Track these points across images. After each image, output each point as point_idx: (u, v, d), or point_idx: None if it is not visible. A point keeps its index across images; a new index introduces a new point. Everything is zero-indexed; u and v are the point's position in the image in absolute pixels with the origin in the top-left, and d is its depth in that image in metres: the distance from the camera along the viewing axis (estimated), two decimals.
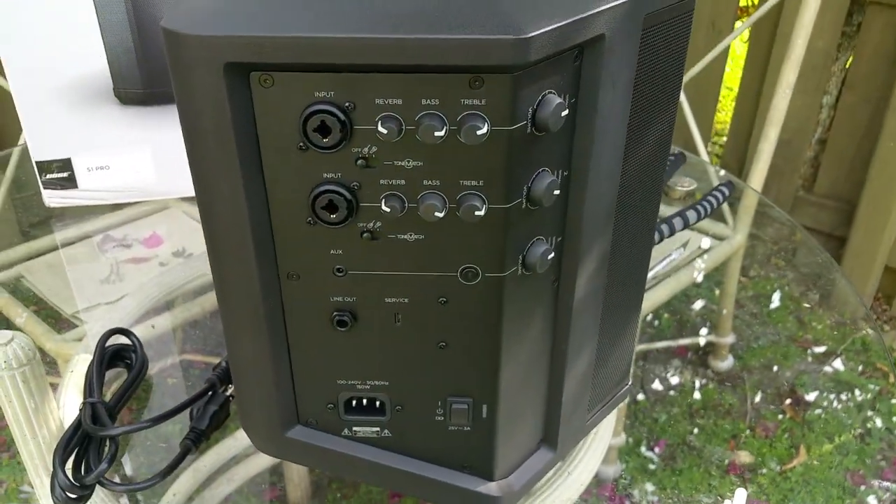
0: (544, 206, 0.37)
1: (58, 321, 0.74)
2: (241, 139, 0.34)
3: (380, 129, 0.33)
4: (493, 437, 0.43)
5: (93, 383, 0.55)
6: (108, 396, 0.58)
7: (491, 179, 0.35)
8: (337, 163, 0.35)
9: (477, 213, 0.35)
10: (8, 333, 0.59)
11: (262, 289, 0.38)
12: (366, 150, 0.34)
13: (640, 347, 0.74)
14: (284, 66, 0.32)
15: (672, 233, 0.77)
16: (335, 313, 0.39)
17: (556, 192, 0.37)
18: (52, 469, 0.48)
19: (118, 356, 0.60)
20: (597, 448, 0.60)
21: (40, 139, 0.77)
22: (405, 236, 0.37)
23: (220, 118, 0.33)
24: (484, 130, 0.33)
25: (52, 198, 0.81)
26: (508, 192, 0.35)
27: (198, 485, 0.61)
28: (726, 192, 0.84)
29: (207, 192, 0.36)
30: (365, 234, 0.37)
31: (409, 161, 0.35)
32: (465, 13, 0.32)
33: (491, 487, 0.45)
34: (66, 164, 0.79)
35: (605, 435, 0.61)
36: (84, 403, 0.53)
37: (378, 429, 0.44)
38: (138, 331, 0.67)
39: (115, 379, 0.63)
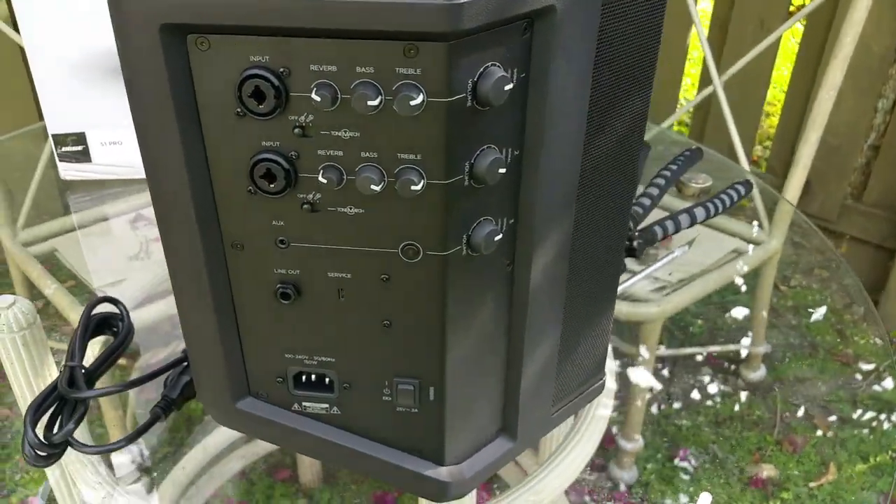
0: (489, 184, 0.36)
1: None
2: (179, 103, 0.34)
3: (313, 96, 0.33)
4: (441, 421, 0.43)
5: (75, 348, 0.56)
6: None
7: (429, 153, 0.34)
8: (274, 131, 0.34)
9: (413, 187, 0.34)
10: (10, 298, 0.60)
11: (205, 257, 0.38)
12: (302, 118, 0.34)
13: (667, 352, 0.72)
14: (220, 29, 0.32)
15: (677, 229, 0.75)
16: (279, 285, 0.39)
17: (502, 170, 0.36)
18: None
19: (105, 324, 0.61)
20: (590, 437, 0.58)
21: (56, 112, 0.79)
22: (345, 209, 0.36)
23: (157, 80, 0.33)
24: (418, 101, 0.32)
25: (67, 171, 0.83)
26: (448, 167, 0.34)
27: (208, 459, 0.62)
28: (742, 190, 0.81)
29: (150, 156, 0.36)
30: (305, 206, 0.36)
31: (345, 132, 0.34)
32: None
33: (440, 472, 0.45)
34: (80, 138, 0.81)
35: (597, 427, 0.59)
36: (64, 366, 0.54)
37: (327, 405, 0.44)
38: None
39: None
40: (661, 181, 0.79)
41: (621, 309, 0.77)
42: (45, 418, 0.50)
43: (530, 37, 0.34)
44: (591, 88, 0.38)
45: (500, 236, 0.38)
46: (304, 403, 0.44)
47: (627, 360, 0.71)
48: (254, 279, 0.39)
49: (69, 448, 0.50)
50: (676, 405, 0.63)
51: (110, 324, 0.61)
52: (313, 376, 0.43)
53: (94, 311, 0.60)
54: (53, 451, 0.49)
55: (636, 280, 0.74)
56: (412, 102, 0.32)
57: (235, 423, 0.45)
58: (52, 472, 0.59)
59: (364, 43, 0.32)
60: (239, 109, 0.34)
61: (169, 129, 0.34)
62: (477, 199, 0.37)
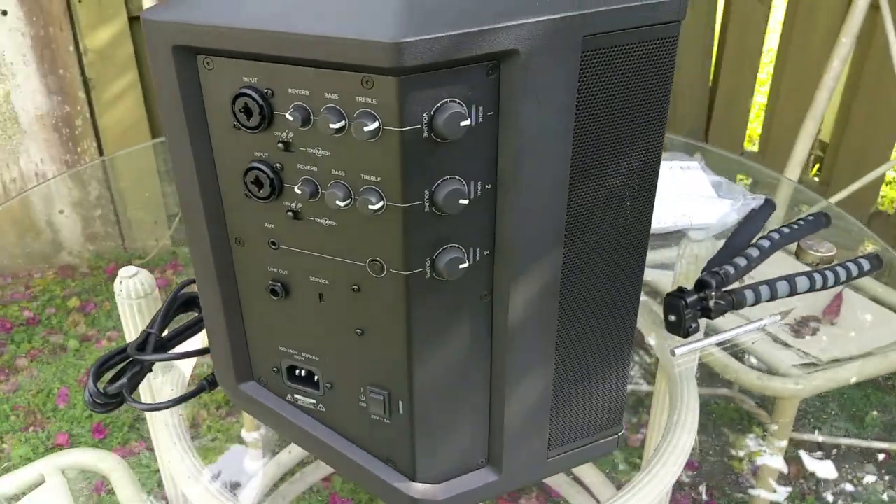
0: (449, 213, 0.38)
1: None
2: (190, 114, 0.39)
3: (288, 115, 0.36)
4: (411, 435, 0.44)
5: (158, 317, 0.64)
6: None
7: (387, 177, 0.36)
8: (263, 143, 0.39)
9: (371, 206, 0.37)
10: (133, 269, 0.71)
11: (212, 248, 0.43)
12: (285, 134, 0.38)
13: (826, 439, 0.66)
14: (220, 52, 0.37)
15: (772, 297, 0.70)
16: (270, 282, 0.43)
17: (463, 201, 0.37)
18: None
19: (192, 302, 0.69)
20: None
21: None
22: (321, 220, 0.40)
23: (173, 94, 0.39)
24: (371, 128, 0.35)
25: None
26: (405, 192, 0.37)
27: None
28: (866, 266, 0.74)
29: (173, 158, 0.42)
30: (289, 213, 0.40)
31: (318, 150, 0.37)
32: (370, 16, 0.34)
33: (411, 487, 0.46)
34: None
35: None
36: (142, 332, 0.62)
37: (314, 402, 0.47)
38: None
39: None
40: (765, 243, 0.74)
41: (751, 378, 0.73)
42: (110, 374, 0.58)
43: (496, 78, 0.36)
44: (575, 132, 0.39)
45: (465, 265, 0.39)
46: (295, 395, 0.48)
47: (756, 436, 0.67)
48: (253, 274, 0.44)
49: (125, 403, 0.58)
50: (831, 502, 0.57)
51: (196, 303, 0.69)
52: (303, 371, 0.46)
53: (184, 290, 0.68)
54: (109, 401, 0.56)
55: (703, 344, 0.70)
56: (366, 128, 0.35)
57: (241, 403, 0.50)
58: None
59: (331, 72, 0.35)
60: (235, 122, 0.38)
61: (182, 136, 0.40)
62: (442, 225, 0.38)
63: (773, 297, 0.70)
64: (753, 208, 0.83)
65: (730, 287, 0.70)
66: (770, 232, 0.76)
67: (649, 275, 0.85)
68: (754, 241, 0.76)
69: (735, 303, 0.68)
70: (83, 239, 1.47)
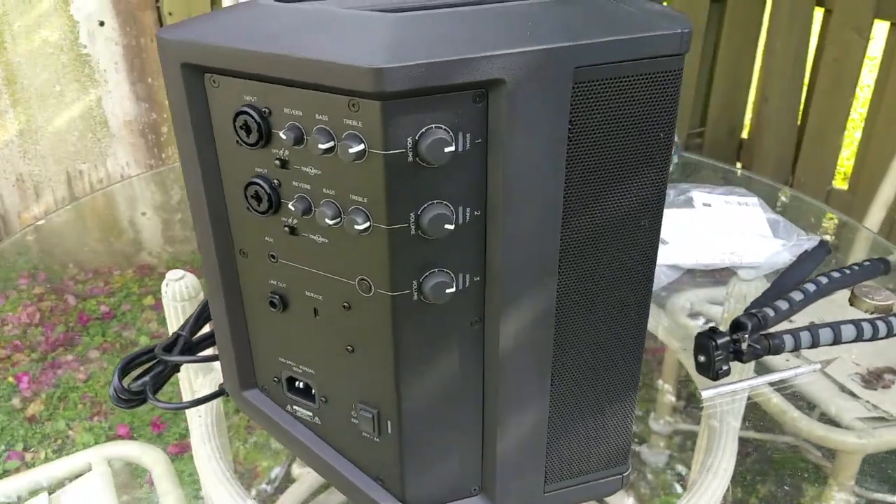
0: (435, 237, 0.38)
1: None
2: (198, 130, 0.41)
3: (281, 134, 0.38)
4: (399, 456, 0.44)
5: (190, 320, 0.67)
6: None
7: (373, 199, 0.37)
8: (262, 160, 0.40)
9: (356, 226, 0.37)
10: (180, 273, 0.74)
11: (218, 259, 0.45)
12: (282, 152, 0.39)
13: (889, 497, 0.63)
14: (225, 71, 0.39)
15: (813, 344, 0.67)
16: (270, 295, 0.44)
17: (449, 226, 0.37)
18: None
19: None
20: None
21: None
22: (314, 237, 0.40)
23: (182, 110, 0.41)
24: (356, 149, 0.35)
25: None
26: (390, 213, 0.37)
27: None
28: None
29: (184, 170, 0.43)
30: (286, 228, 0.41)
31: (311, 168, 0.38)
32: (360, 42, 0.35)
33: None
34: None
35: None
36: (173, 333, 0.65)
37: (311, 414, 0.48)
38: None
39: None
40: (811, 286, 0.70)
41: (812, 427, 0.70)
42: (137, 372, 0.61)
43: (486, 106, 0.36)
44: (567, 163, 0.38)
45: (452, 289, 0.39)
46: (294, 406, 0.48)
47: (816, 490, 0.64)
48: (255, 285, 0.45)
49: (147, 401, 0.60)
50: None
51: None
52: (301, 383, 0.47)
53: None
54: (132, 397, 0.59)
55: (731, 388, 0.67)
56: (351, 150, 0.35)
57: (245, 409, 0.51)
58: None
59: (322, 95, 0.36)
60: (237, 139, 0.40)
61: (191, 149, 0.42)
62: (428, 249, 0.39)
63: (814, 345, 0.67)
64: (806, 249, 0.80)
65: (769, 331, 0.67)
66: (819, 275, 0.72)
67: (702, 309, 0.83)
68: (802, 284, 0.72)
69: (772, 347, 0.65)
70: (162, 240, 1.54)
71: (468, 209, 0.38)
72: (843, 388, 0.70)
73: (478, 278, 0.40)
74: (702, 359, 0.64)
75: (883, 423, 0.68)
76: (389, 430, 0.44)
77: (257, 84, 0.38)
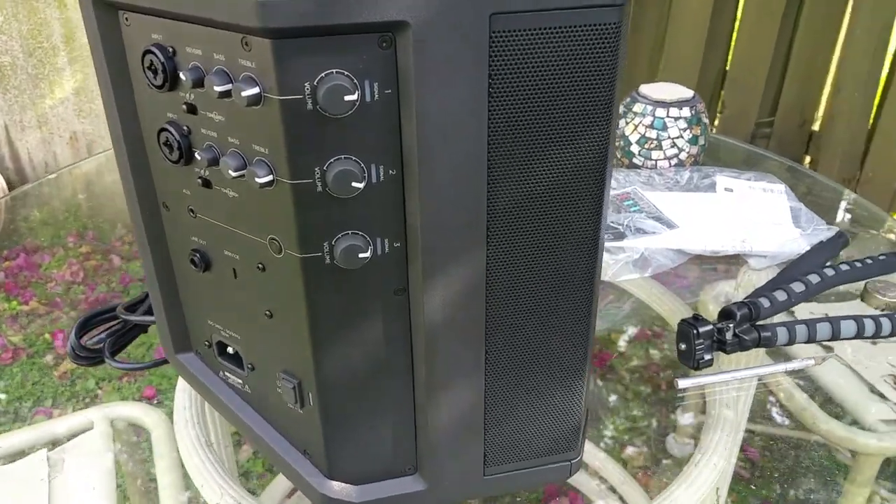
0: (344, 196, 0.35)
1: None
2: (114, 71, 0.39)
3: (181, 75, 0.35)
4: (322, 429, 0.42)
5: None
6: None
7: (274, 149, 0.34)
8: (171, 104, 0.38)
9: (258, 179, 0.35)
10: None
11: (141, 211, 0.43)
12: (188, 96, 0.37)
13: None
14: (135, 8, 0.36)
15: (810, 339, 0.61)
16: (191, 253, 0.42)
17: (357, 184, 0.34)
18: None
19: None
20: None
21: None
22: (226, 191, 0.38)
23: (97, 50, 0.39)
24: (249, 93, 0.33)
25: None
26: (292, 167, 0.34)
27: None
28: None
29: (106, 114, 0.41)
30: (198, 180, 0.39)
31: (215, 115, 0.36)
32: None
33: (325, 484, 0.44)
34: None
35: None
36: (143, 292, 0.64)
37: (241, 382, 0.46)
38: None
39: None
40: (815, 278, 0.65)
41: (832, 428, 0.66)
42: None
43: (394, 52, 0.33)
44: (490, 121, 0.35)
45: (366, 254, 0.36)
46: (226, 373, 0.46)
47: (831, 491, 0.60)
48: (179, 242, 0.43)
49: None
50: None
51: None
52: (231, 349, 0.45)
53: None
54: (89, 355, 0.58)
55: (708, 381, 0.62)
56: (243, 93, 0.33)
57: (182, 373, 0.49)
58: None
59: (219, 32, 0.33)
60: (147, 81, 0.38)
61: (108, 89, 0.40)
62: (338, 209, 0.36)
63: (810, 339, 0.62)
64: (822, 240, 0.74)
65: (762, 322, 0.62)
66: (827, 267, 0.66)
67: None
68: (808, 275, 0.67)
69: (762, 340, 0.60)
70: None
71: (381, 167, 0.35)
72: (872, 389, 0.65)
73: (398, 244, 0.37)
74: (683, 347, 0.60)
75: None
76: (311, 402, 0.42)
77: (163, 22, 0.35)
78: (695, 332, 0.58)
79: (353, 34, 0.32)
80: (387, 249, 0.37)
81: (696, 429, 0.62)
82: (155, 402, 0.68)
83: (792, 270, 0.70)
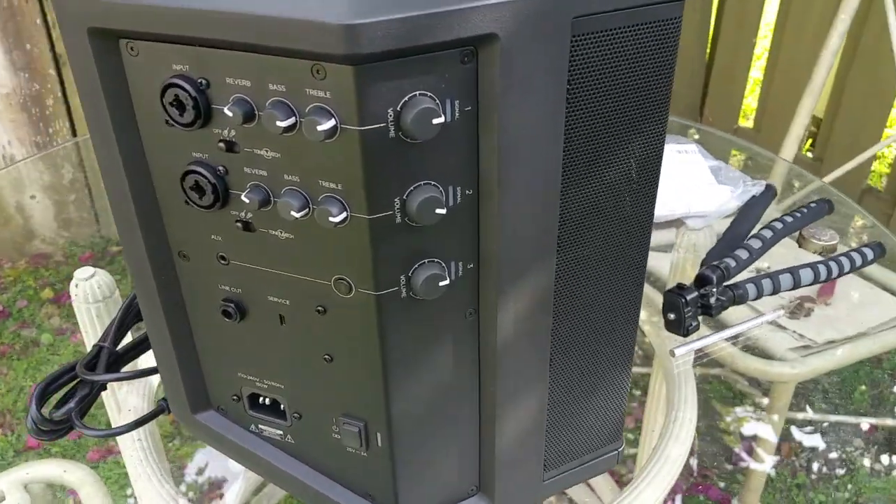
0: (425, 224, 0.32)
1: None
2: (114, 106, 0.33)
3: (226, 111, 0.31)
4: (392, 469, 0.39)
5: (110, 329, 0.58)
6: None
7: (350, 184, 0.31)
8: (201, 143, 0.33)
9: (331, 218, 0.31)
10: (90, 270, 0.64)
11: (151, 263, 0.37)
12: (226, 132, 0.32)
13: (814, 416, 0.65)
14: (146, 35, 0.31)
15: (775, 290, 0.65)
16: (222, 303, 0.38)
17: (440, 210, 0.32)
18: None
19: None
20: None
21: None
22: (276, 232, 0.34)
23: (91, 83, 0.33)
24: (325, 127, 0.29)
25: None
26: (371, 201, 0.31)
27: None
28: (869, 255, 0.69)
29: (99, 158, 0.36)
30: (238, 223, 0.35)
31: (267, 151, 0.32)
32: None
33: None
34: None
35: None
36: (94, 346, 0.56)
37: (281, 432, 0.42)
38: None
39: None
40: (767, 233, 0.69)
41: (748, 364, 0.71)
42: (61, 394, 0.53)
43: (475, 67, 0.30)
44: (566, 128, 0.33)
45: (446, 281, 0.34)
46: (260, 426, 0.42)
47: (755, 415, 0.64)
48: (202, 293, 0.38)
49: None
50: (814, 477, 0.55)
51: None
52: (267, 400, 0.41)
53: None
54: (56, 427, 0.51)
55: (703, 343, 0.65)
56: (319, 128, 0.29)
57: (198, 434, 0.44)
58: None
59: (275, 59, 0.29)
60: (166, 118, 0.33)
61: (106, 131, 0.34)
62: (416, 238, 0.33)
63: (775, 291, 0.66)
64: (754, 195, 0.78)
65: (731, 281, 0.65)
66: (772, 221, 0.71)
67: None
68: (755, 230, 0.71)
69: (736, 298, 0.63)
70: (56, 225, 1.40)
71: (458, 188, 0.33)
72: (770, 322, 0.71)
73: (471, 265, 0.35)
74: (672, 316, 0.61)
75: (810, 351, 0.69)
76: (379, 443, 0.39)
77: (189, 49, 0.31)
78: (683, 300, 0.60)
79: (437, 52, 0.29)
80: (461, 273, 0.35)
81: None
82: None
83: (736, 228, 0.73)
